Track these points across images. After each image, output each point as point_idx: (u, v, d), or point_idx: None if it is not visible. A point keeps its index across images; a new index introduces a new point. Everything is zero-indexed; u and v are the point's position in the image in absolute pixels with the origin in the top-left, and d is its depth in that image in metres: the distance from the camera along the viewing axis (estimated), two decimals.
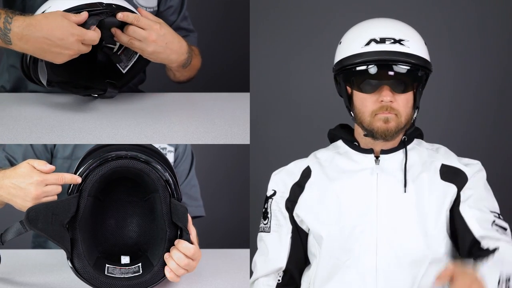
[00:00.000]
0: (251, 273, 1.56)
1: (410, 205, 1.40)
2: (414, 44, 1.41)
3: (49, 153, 1.76)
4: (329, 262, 1.43)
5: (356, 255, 1.40)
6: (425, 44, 1.45)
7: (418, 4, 2.49)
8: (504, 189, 2.41)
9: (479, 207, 1.41)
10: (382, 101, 1.40)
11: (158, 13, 1.98)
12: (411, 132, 1.48)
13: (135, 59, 1.79)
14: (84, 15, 1.58)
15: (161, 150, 1.67)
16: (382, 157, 1.45)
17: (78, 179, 1.39)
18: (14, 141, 1.61)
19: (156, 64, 1.98)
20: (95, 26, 1.58)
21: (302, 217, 1.49)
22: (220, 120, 1.79)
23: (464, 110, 2.51)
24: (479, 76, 2.49)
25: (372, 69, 1.39)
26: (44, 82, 1.68)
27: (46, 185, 1.40)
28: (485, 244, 1.36)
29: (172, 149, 1.82)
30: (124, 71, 1.82)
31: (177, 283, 1.48)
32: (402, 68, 1.39)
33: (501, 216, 1.43)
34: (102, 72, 1.81)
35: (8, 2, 1.81)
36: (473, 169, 1.45)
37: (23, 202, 1.40)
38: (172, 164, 1.63)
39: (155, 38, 1.68)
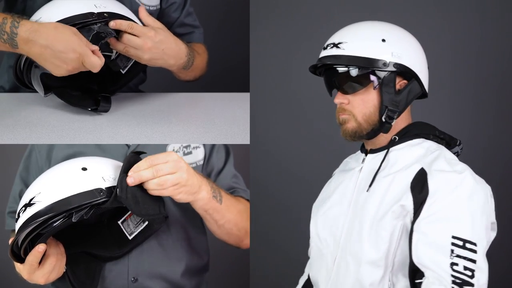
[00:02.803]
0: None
1: (368, 204, 1.39)
2: (352, 45, 1.39)
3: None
4: (314, 249, 1.50)
5: (329, 245, 1.44)
6: (383, 41, 1.40)
7: (419, 3, 2.49)
8: (504, 189, 2.41)
9: (435, 230, 1.27)
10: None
11: (161, 10, 1.98)
12: (408, 131, 1.44)
13: (134, 60, 1.79)
14: (93, 47, 1.56)
15: (186, 148, 1.69)
16: (368, 156, 1.47)
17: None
18: (14, 141, 1.61)
19: None
20: (100, 53, 1.56)
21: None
22: (220, 120, 1.79)
23: (464, 111, 2.52)
24: (478, 76, 2.49)
25: (323, 75, 1.46)
26: (41, 93, 1.67)
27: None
28: (428, 276, 1.26)
29: (198, 144, 1.74)
30: (123, 72, 1.82)
31: None
32: (336, 71, 1.41)
33: (468, 245, 1.25)
34: (101, 74, 1.81)
35: (9, 2, 1.81)
36: (447, 183, 1.30)
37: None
38: (203, 158, 1.70)
39: (150, 46, 1.67)
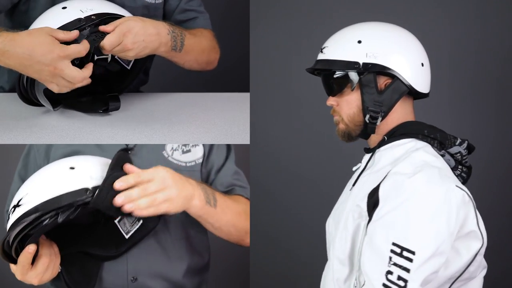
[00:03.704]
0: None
1: (348, 204, 1.40)
2: (331, 49, 1.43)
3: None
4: (326, 244, 1.51)
5: (330, 241, 1.45)
6: (359, 42, 1.40)
7: (419, 3, 2.49)
8: (504, 189, 2.41)
9: (378, 236, 1.25)
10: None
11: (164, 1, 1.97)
12: (395, 131, 1.42)
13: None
14: (74, 33, 1.54)
15: (185, 146, 1.68)
16: (364, 156, 1.47)
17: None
18: (14, 141, 1.61)
19: (156, 64, 1.98)
20: (84, 40, 1.55)
21: None
22: (220, 120, 1.79)
23: (464, 111, 2.52)
24: (477, 75, 2.49)
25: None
26: (49, 107, 1.68)
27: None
28: (366, 285, 1.24)
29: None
30: (128, 67, 1.82)
31: None
32: (320, 75, 1.46)
33: (405, 253, 1.20)
34: (105, 77, 1.81)
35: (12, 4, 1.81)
36: (395, 187, 1.27)
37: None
38: (202, 156, 1.69)
39: (130, 46, 1.63)
